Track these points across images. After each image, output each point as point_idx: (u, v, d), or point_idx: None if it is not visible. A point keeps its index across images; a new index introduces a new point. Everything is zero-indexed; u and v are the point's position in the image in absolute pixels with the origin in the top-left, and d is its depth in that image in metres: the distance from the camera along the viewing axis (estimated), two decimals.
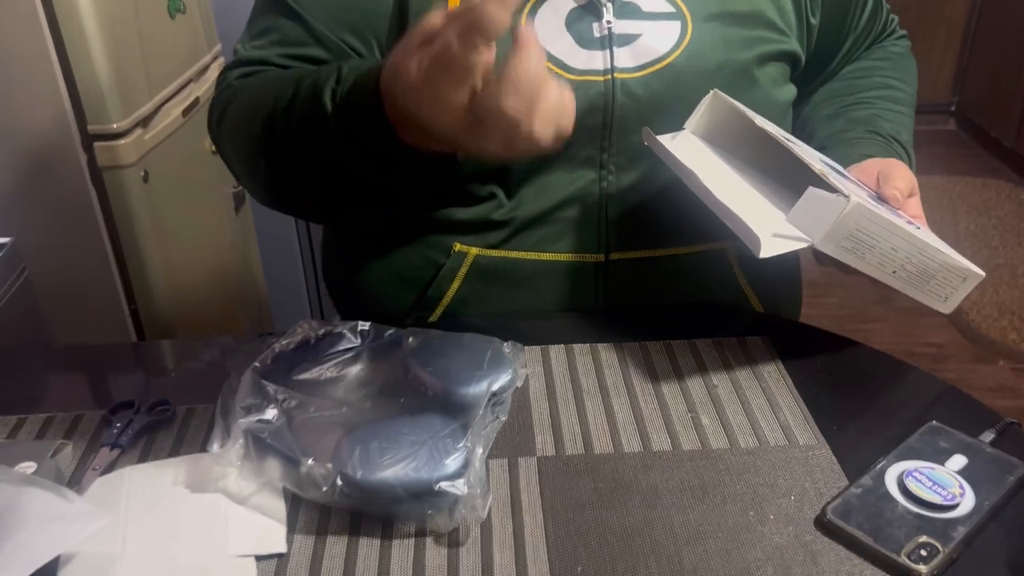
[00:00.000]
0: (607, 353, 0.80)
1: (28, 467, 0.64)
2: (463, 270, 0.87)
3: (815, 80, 1.04)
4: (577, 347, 0.81)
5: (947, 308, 0.75)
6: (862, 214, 0.66)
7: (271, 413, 0.65)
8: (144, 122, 1.47)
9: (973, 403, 0.74)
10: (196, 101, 1.65)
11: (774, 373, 0.77)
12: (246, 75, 0.84)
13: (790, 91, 0.93)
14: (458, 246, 0.87)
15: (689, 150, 0.77)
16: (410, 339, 0.76)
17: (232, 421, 0.64)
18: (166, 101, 1.56)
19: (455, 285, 0.88)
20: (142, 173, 1.45)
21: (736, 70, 0.85)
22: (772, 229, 0.67)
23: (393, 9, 0.82)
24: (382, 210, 0.85)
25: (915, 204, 0.83)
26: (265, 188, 0.82)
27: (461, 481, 0.59)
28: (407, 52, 0.56)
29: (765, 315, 0.95)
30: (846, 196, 0.65)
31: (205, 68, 1.74)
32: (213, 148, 1.74)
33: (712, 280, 0.91)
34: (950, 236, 2.93)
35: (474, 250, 0.87)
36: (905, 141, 0.95)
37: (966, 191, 3.23)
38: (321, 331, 0.77)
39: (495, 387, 0.70)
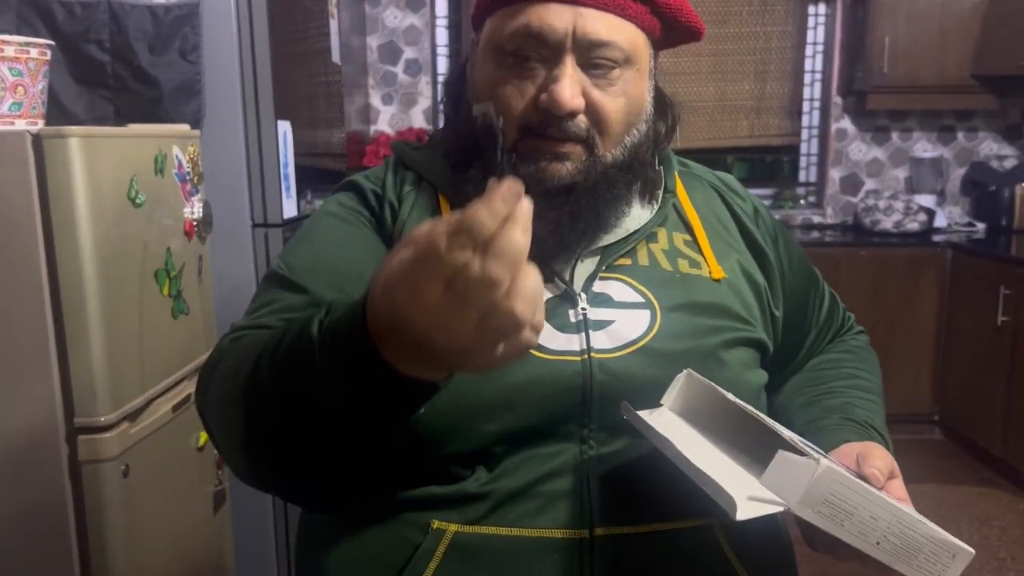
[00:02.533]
0: None
1: None
2: (440, 549, 0.83)
3: (784, 370, 1.08)
4: None
5: None
6: (833, 478, 0.66)
7: None
8: (132, 416, 1.48)
9: None
10: (187, 398, 1.67)
11: None
12: (240, 337, 0.83)
13: (760, 376, 0.97)
14: (436, 523, 0.84)
15: (666, 423, 0.78)
16: None
17: None
18: (157, 396, 1.58)
19: (432, 567, 0.83)
20: (122, 467, 1.43)
21: (704, 353, 0.89)
22: (747, 492, 0.66)
23: None
24: (359, 490, 0.83)
25: (898, 486, 0.83)
26: (244, 448, 0.77)
27: None
28: (392, 252, 0.57)
29: None
30: (816, 460, 0.65)
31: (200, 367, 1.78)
32: (199, 444, 1.75)
33: (700, 558, 0.87)
34: None
35: (453, 527, 0.84)
36: (879, 427, 0.97)
37: (963, 500, 3.19)
38: None
39: None
